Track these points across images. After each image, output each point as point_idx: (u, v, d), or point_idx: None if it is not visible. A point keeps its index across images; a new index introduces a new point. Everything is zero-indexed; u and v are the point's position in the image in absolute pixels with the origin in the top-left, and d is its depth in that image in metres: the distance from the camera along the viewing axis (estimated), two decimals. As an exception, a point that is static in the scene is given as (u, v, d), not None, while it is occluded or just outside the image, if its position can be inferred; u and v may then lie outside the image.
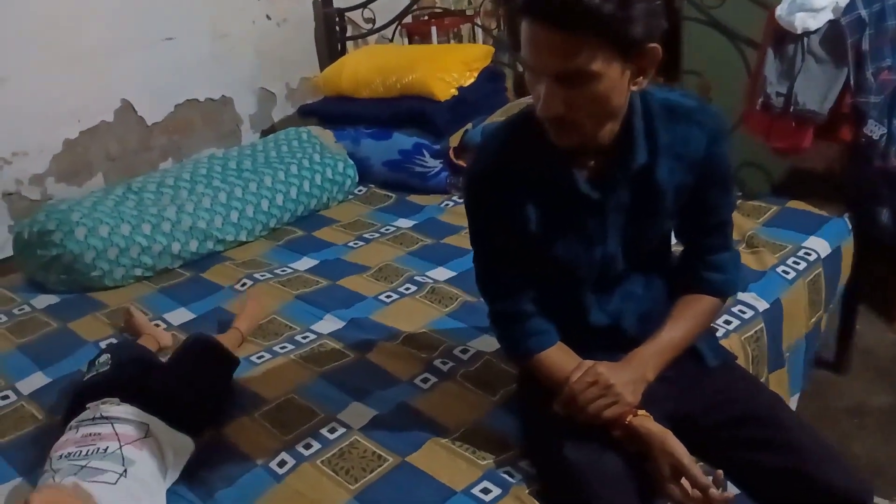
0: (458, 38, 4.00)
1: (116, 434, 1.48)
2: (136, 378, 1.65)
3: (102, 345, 2.00)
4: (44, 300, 2.25)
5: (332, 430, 1.63)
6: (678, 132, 1.36)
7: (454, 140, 2.79)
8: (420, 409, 1.68)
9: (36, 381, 1.88)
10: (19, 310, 2.21)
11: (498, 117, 2.72)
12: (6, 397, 1.83)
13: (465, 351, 1.87)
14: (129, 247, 2.27)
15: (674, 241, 1.54)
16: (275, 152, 2.74)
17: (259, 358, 1.91)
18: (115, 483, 1.38)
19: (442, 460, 1.53)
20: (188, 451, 1.56)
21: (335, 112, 3.06)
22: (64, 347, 2.00)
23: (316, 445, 1.59)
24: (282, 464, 1.55)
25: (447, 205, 2.76)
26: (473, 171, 1.44)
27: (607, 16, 1.14)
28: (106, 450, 1.44)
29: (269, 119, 3.48)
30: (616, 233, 1.42)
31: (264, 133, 3.45)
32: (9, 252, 2.65)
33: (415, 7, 3.48)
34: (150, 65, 3.00)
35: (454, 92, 2.83)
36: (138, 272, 2.32)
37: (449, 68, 2.86)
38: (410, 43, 3.71)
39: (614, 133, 1.33)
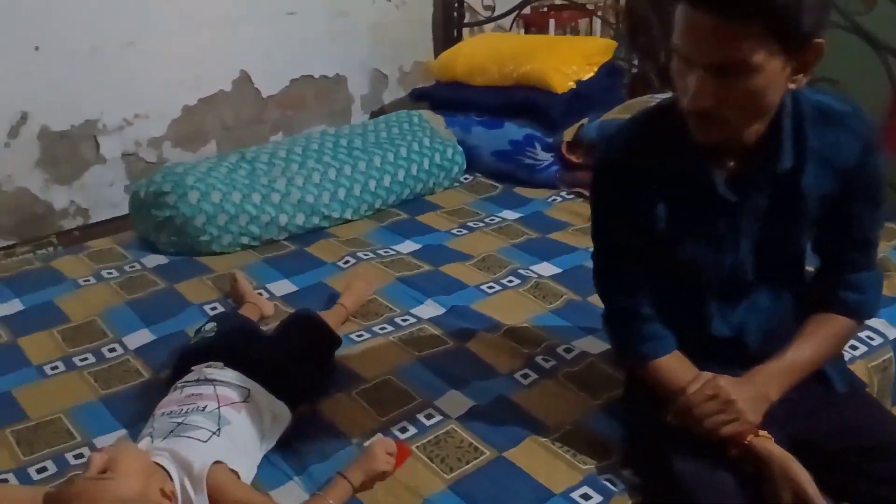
0: (576, 33, 3.92)
1: (217, 395, 1.48)
2: (242, 346, 1.66)
3: (207, 308, 2.02)
4: (154, 260, 2.30)
5: (428, 416, 1.60)
6: (829, 137, 1.27)
7: (568, 134, 2.72)
8: (519, 404, 1.64)
9: (142, 337, 1.92)
10: (130, 267, 2.26)
11: (616, 115, 2.64)
12: (113, 350, 1.87)
13: (568, 350, 1.81)
14: (238, 215, 2.30)
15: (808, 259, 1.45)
16: (385, 133, 2.73)
17: (359, 336, 1.90)
18: (205, 441, 1.38)
19: (540, 459, 1.48)
20: (285, 420, 1.56)
21: (447, 98, 3.03)
22: (170, 307, 2.03)
23: (412, 430, 1.56)
24: (525, 376, 1.63)
25: (555, 200, 2.69)
26: (603, 163, 1.38)
27: (779, 5, 1.06)
28: (205, 408, 1.45)
29: (379, 101, 3.48)
30: (749, 239, 1.34)
31: (374, 114, 3.46)
32: (124, 210, 2.73)
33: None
34: (270, 38, 3.03)
35: (572, 85, 2.76)
36: (245, 240, 2.34)
37: (568, 61, 2.80)
38: (527, 34, 3.65)
39: (760, 133, 1.25)
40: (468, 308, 2.01)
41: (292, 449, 1.52)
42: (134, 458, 1.27)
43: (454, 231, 2.49)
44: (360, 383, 1.70)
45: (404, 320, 1.97)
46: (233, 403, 1.48)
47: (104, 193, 2.78)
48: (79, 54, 2.60)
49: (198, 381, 1.52)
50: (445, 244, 2.39)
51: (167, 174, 2.31)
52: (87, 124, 2.69)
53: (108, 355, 1.85)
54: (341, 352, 1.82)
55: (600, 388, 1.67)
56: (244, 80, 3.02)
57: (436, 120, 2.90)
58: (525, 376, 1.73)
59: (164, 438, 1.38)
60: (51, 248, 2.57)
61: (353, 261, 2.26)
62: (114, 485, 1.20)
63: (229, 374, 1.54)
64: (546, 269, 2.21)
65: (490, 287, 2.11)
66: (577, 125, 2.72)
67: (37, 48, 2.53)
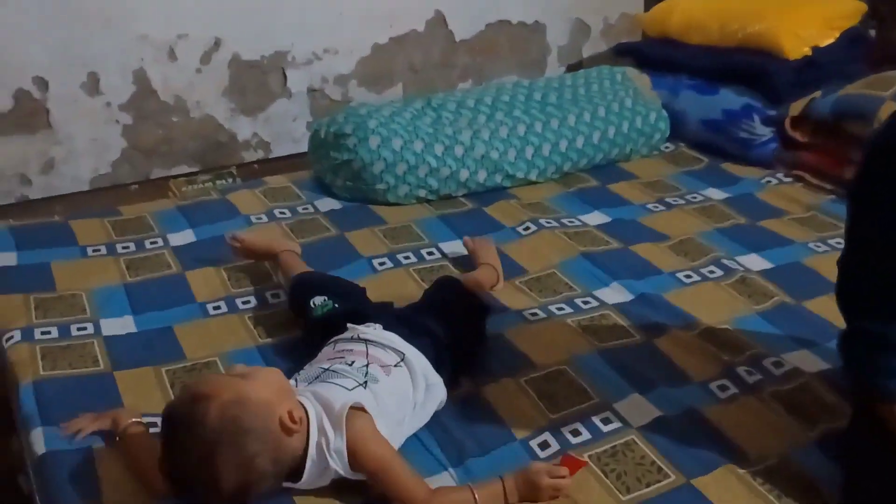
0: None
1: (367, 353, 1.36)
2: (400, 311, 1.55)
3: (376, 262, 1.90)
4: (327, 204, 2.19)
5: (606, 421, 1.39)
6: None
7: (795, 108, 2.36)
8: (713, 422, 1.39)
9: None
10: (303, 209, 2.17)
11: (860, 90, 2.26)
12: (277, 296, 1.78)
13: (778, 364, 1.53)
14: (418, 165, 2.15)
15: None
16: (583, 90, 2.49)
17: (532, 315, 1.70)
18: (350, 389, 1.27)
19: (736, 493, 1.25)
20: (440, 394, 1.40)
21: (656, 56, 2.74)
22: (338, 257, 1.93)
23: (585, 434, 1.36)
24: (544, 445, 1.35)
25: (769, 181, 2.36)
26: (881, 148, 1.10)
27: None
28: (353, 363, 1.33)
29: (578, 53, 3.23)
30: None
31: (571, 67, 3.21)
32: (304, 147, 2.67)
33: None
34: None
35: (806, 51, 2.40)
36: (422, 193, 2.19)
37: (806, 22, 2.43)
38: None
39: None
40: (660, 298, 1.76)
41: (450, 436, 1.36)
42: (275, 376, 1.25)
43: (650, 206, 2.22)
44: (530, 370, 1.52)
45: (585, 302, 1.75)
46: (384, 365, 1.35)
47: (287, 128, 2.72)
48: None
49: (351, 339, 1.40)
50: (638, 220, 2.14)
51: (349, 115, 2.19)
52: (277, 56, 2.63)
53: (271, 300, 1.77)
54: (512, 328, 1.64)
55: (815, 417, 1.40)
56: (438, 20, 2.86)
57: (641, 79, 2.62)
58: (723, 388, 1.48)
59: (309, 384, 1.30)
60: (230, 180, 2.54)
61: (533, 227, 2.06)
62: (243, 384, 1.17)
63: (385, 336, 1.41)
64: (755, 262, 1.92)
65: (687, 276, 1.85)
66: (807, 98, 2.35)
67: (236, -27, 2.48)
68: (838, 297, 1.22)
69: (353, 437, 1.20)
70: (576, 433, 1.37)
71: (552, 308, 1.73)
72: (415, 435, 1.36)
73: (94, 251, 1.93)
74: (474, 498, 1.21)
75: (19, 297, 1.70)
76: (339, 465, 1.20)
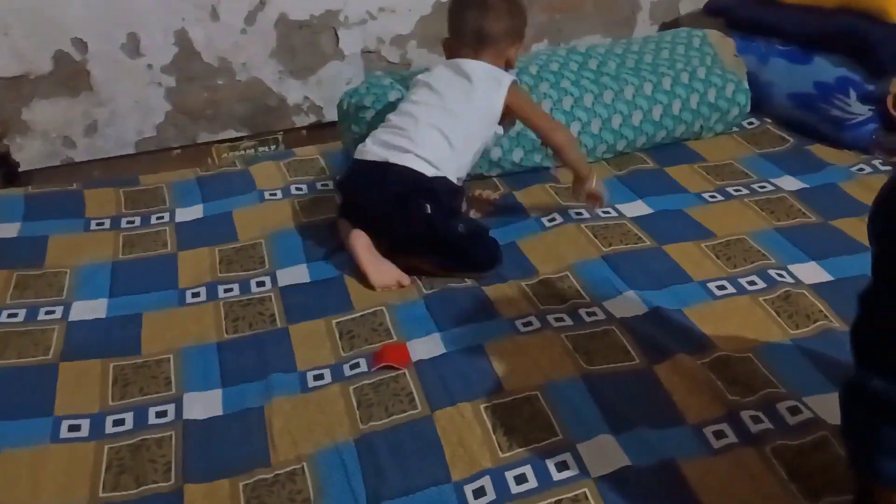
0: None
1: None
2: None
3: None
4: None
5: (561, 466, 1.20)
6: None
7: (897, 84, 1.98)
8: (690, 481, 1.16)
9: (294, 275, 1.70)
10: (322, 185, 2.04)
11: (977, 64, 1.86)
12: (262, 284, 1.67)
13: (795, 410, 1.26)
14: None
15: None
16: (650, 57, 2.18)
17: (525, 325, 1.51)
18: None
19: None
20: None
21: (748, 16, 2.37)
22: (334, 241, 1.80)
23: (531, 482, 1.18)
24: (719, 435, 1.24)
25: (862, 169, 2.00)
26: None
27: None
28: None
29: (674, 10, 2.88)
30: None
31: (664, 26, 2.88)
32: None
33: None
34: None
35: (919, 16, 1.99)
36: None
37: (921, -19, 2.01)
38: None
39: None
40: (678, 314, 1.51)
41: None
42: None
43: (706, 195, 1.94)
44: (495, 394, 1.33)
45: (590, 314, 1.53)
46: None
47: (340, 91, 2.58)
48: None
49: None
50: (686, 210, 1.87)
51: (371, 85, 2.02)
52: (328, 15, 2.48)
53: (255, 289, 1.66)
54: (496, 341, 1.46)
55: (818, 487, 1.14)
56: (508, -26, 2.61)
57: (724, 44, 2.28)
58: (718, 435, 1.25)
59: None
60: (274, 146, 2.45)
61: (559, 220, 1.83)
62: None
63: None
64: (811, 272, 1.61)
65: (721, 287, 1.58)
66: (914, 70, 1.97)
67: (282, -72, 2.34)
68: (852, 337, 0.97)
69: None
70: (520, 479, 1.18)
71: (550, 318, 1.52)
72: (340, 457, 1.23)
73: (97, 224, 1.90)
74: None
75: (3, 273, 1.68)
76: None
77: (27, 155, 2.33)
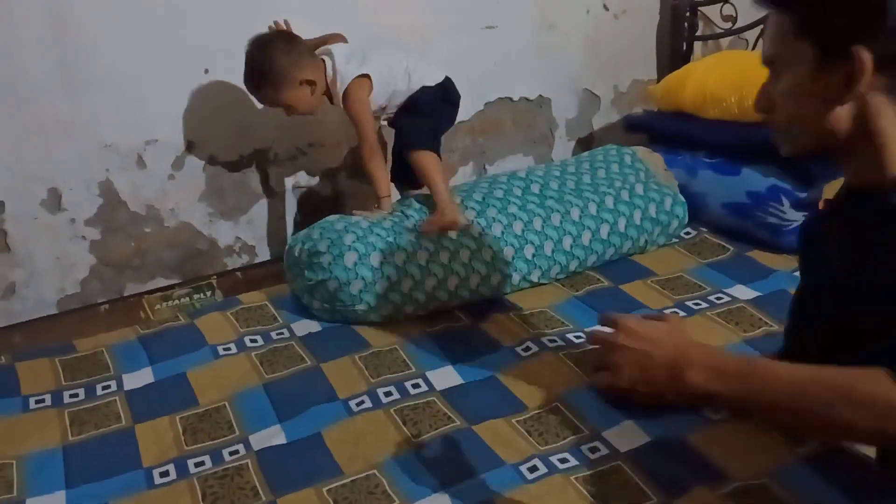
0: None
1: None
2: None
3: (353, 403, 1.65)
4: (305, 326, 1.96)
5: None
6: None
7: (829, 190, 2.09)
8: None
9: (270, 436, 1.58)
10: (278, 334, 1.94)
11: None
12: (235, 452, 1.54)
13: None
14: (401, 279, 1.91)
15: None
16: (588, 177, 2.24)
17: (530, 469, 1.44)
18: None
19: None
20: None
21: (669, 130, 2.49)
22: (313, 394, 1.69)
23: None
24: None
25: (804, 273, 2.08)
26: None
27: None
28: None
29: (588, 125, 3.00)
30: None
31: (581, 141, 2.98)
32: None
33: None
34: (467, 55, 2.63)
35: (837, 125, 2.12)
36: (408, 310, 1.95)
37: (835, 92, 2.16)
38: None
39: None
40: (681, 441, 1.49)
41: None
42: None
43: (669, 311, 1.96)
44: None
45: (593, 449, 1.48)
46: None
47: (272, 229, 2.52)
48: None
49: None
50: (655, 329, 1.88)
51: (325, 230, 1.97)
52: (257, 153, 2.43)
53: (228, 458, 1.53)
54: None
55: None
56: (433, 103, 2.65)
57: (653, 159, 2.37)
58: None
59: None
60: (209, 293, 2.33)
61: (534, 348, 1.80)
62: None
63: None
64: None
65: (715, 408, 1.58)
66: (841, 178, 2.08)
67: (206, 71, 2.29)
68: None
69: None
70: None
71: (545, 462, 1.46)
72: None
73: (37, 402, 1.72)
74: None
75: (-64, 471, 1.49)
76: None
77: (-65, 326, 2.13)
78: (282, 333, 1.95)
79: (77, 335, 2.00)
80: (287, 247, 2.04)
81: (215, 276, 2.42)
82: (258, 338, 1.93)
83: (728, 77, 2.36)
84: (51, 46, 2.07)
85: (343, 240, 1.91)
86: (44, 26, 2.05)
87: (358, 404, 1.66)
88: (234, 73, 2.23)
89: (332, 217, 2.05)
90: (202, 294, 2.32)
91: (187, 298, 2.30)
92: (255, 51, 2.04)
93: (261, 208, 2.49)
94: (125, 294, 2.35)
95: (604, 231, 2.13)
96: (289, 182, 2.50)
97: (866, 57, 1.01)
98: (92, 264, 2.28)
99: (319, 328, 1.96)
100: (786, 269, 2.10)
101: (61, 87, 2.11)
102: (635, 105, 3.03)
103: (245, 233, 2.48)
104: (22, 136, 2.10)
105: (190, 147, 2.32)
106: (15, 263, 2.18)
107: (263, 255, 2.53)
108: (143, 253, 2.35)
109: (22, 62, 2.05)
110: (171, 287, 2.37)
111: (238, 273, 2.46)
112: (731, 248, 2.24)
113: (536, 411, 1.60)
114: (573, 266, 2.12)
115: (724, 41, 3.02)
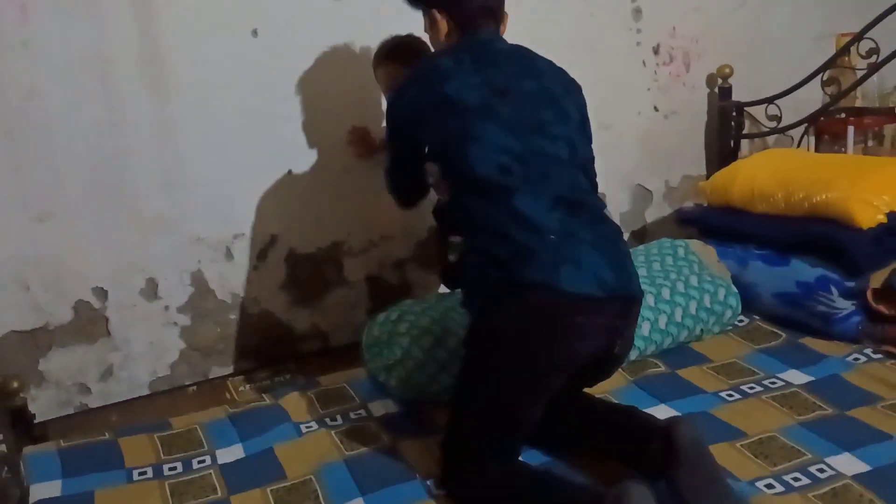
0: (879, 140, 3.35)
1: None
2: None
3: (429, 483, 1.77)
4: (381, 407, 2.10)
5: None
6: None
7: (876, 280, 2.20)
8: None
9: (354, 511, 1.71)
10: (355, 414, 2.09)
11: (944, 259, 2.10)
12: (322, 523, 1.68)
13: None
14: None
15: None
16: (645, 269, 2.37)
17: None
18: None
19: None
20: None
21: (720, 224, 2.63)
22: (389, 473, 1.81)
23: None
24: None
25: (857, 359, 2.17)
26: None
27: None
28: None
29: (641, 218, 3.15)
30: None
31: (635, 234, 3.13)
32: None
33: (831, 106, 2.93)
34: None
35: (882, 219, 2.24)
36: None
37: (876, 188, 2.28)
38: (818, 144, 3.15)
39: None
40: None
41: None
42: None
43: (724, 394, 2.06)
44: None
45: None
46: None
47: (345, 316, 2.69)
48: (330, 175, 2.56)
49: None
50: (711, 412, 1.97)
51: (404, 313, 2.13)
52: (333, 246, 2.63)
53: (308, 529, 1.66)
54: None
55: None
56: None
57: (706, 251, 2.50)
58: None
59: None
60: (287, 376, 2.49)
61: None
62: None
63: None
64: (849, 464, 1.71)
65: (769, 485, 1.66)
66: (888, 268, 2.20)
67: (290, 171, 2.51)
68: None
69: None
70: None
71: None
72: None
73: (140, 474, 1.87)
74: None
75: (56, 536, 1.64)
76: None
77: (40, 405, 2.30)
78: (359, 413, 2.09)
79: (169, 414, 2.17)
80: (365, 329, 2.19)
81: (293, 360, 2.58)
82: (338, 417, 2.07)
83: (774, 174, 2.50)
84: (153, 150, 2.32)
85: (419, 321, 2.07)
86: (149, 132, 2.30)
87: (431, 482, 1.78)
88: (314, 172, 2.46)
89: (408, 301, 2.20)
90: (283, 377, 2.49)
91: (269, 381, 2.46)
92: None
93: (335, 296, 2.66)
94: (210, 376, 2.52)
95: (662, 321, 2.25)
96: (362, 272, 2.68)
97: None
98: (181, 348, 2.47)
99: (396, 409, 2.09)
100: (837, 354, 2.20)
101: (160, 186, 2.35)
102: (686, 199, 3.18)
103: (320, 320, 2.66)
104: (125, 231, 2.32)
105: (273, 240, 2.53)
106: (114, 347, 2.38)
107: (336, 341, 2.69)
108: (228, 338, 2.53)
109: (129, 164, 2.30)
110: (253, 370, 2.54)
111: (314, 356, 2.62)
112: (784, 335, 2.34)
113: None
114: (633, 356, 2.23)
115: (770, 139, 3.18)
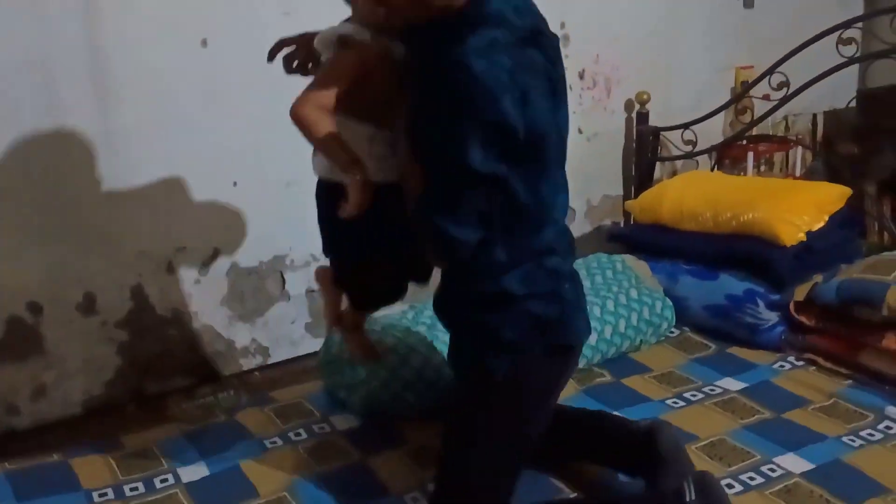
0: (770, 166, 3.62)
1: None
2: None
3: (408, 498, 1.78)
4: (344, 421, 2.10)
5: None
6: None
7: (799, 293, 2.39)
8: None
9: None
10: (319, 428, 2.08)
11: (860, 274, 2.31)
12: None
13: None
14: (438, 380, 2.06)
15: None
16: (588, 281, 2.48)
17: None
18: None
19: None
20: None
21: (649, 241, 2.78)
22: (362, 488, 1.82)
23: None
24: None
25: (783, 366, 2.34)
26: None
27: None
28: None
29: (565, 236, 3.26)
30: None
31: (559, 250, 3.24)
32: (304, 350, 2.63)
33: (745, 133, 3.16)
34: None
35: (802, 237, 2.45)
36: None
37: (797, 209, 2.49)
38: (720, 168, 3.38)
39: None
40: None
41: None
42: None
43: (669, 402, 2.18)
44: None
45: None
46: None
47: (285, 331, 2.66)
48: (274, 188, 2.53)
49: None
50: (660, 418, 2.08)
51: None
52: (276, 260, 2.59)
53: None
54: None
55: None
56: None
57: (639, 266, 2.64)
58: None
59: None
60: (231, 391, 2.44)
61: (562, 437, 1.99)
62: None
63: None
64: (795, 463, 1.86)
65: (728, 484, 1.78)
66: (810, 283, 2.40)
67: (235, 184, 2.47)
68: None
69: None
70: None
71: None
72: None
73: (100, 496, 1.80)
74: None
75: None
76: None
77: (-35, 429, 2.16)
78: (323, 427, 2.08)
79: (109, 433, 2.08)
80: (323, 345, 2.18)
81: (234, 376, 2.53)
82: (301, 431, 2.05)
83: (702, 195, 2.68)
84: (96, 161, 2.23)
85: (384, 340, 2.08)
86: (92, 142, 2.21)
87: (413, 500, 1.79)
88: (259, 185, 2.44)
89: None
90: (225, 393, 2.43)
91: (212, 397, 2.39)
92: None
93: (276, 311, 2.63)
94: (146, 393, 2.43)
95: (608, 331, 2.36)
96: (303, 286, 2.66)
97: None
98: (118, 365, 2.37)
99: (359, 423, 2.09)
100: (765, 362, 2.37)
101: (102, 198, 2.26)
102: (604, 216, 3.33)
103: (260, 335, 2.61)
104: (63, 244, 2.22)
105: (216, 254, 2.47)
106: (48, 365, 2.26)
107: (276, 356, 2.65)
108: (166, 354, 2.45)
109: (70, 174, 2.20)
110: (193, 386, 2.47)
111: (256, 373, 2.57)
112: (713, 346, 2.51)
113: None
114: (581, 364, 2.32)
115: (679, 162, 3.39)
